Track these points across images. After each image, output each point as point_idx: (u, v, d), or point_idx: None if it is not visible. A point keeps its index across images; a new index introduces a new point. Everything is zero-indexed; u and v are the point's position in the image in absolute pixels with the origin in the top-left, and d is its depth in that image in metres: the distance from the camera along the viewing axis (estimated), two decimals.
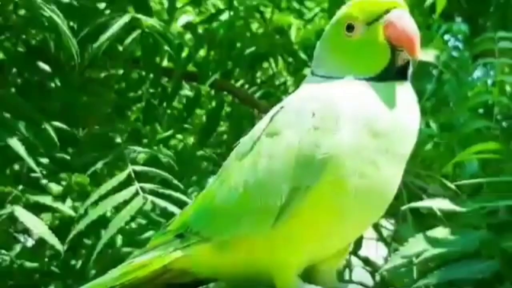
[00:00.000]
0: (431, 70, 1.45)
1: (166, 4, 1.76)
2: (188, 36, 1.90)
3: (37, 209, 1.37)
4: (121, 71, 1.77)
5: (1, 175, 1.43)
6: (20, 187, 1.36)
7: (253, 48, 1.87)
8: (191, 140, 2.04)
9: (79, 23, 1.47)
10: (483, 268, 1.11)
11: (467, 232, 1.17)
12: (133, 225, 1.57)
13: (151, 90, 1.79)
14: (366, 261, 1.87)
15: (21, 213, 1.30)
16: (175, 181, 1.36)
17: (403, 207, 1.25)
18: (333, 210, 0.77)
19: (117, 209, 1.33)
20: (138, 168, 1.37)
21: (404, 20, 0.79)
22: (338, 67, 0.82)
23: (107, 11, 1.56)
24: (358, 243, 1.64)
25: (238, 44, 1.86)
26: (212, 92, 1.98)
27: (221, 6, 1.92)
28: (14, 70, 1.60)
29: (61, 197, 1.43)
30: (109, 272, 0.88)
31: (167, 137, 1.88)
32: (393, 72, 0.80)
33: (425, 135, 1.47)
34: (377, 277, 1.77)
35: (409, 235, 1.20)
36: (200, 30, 1.86)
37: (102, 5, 1.60)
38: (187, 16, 1.91)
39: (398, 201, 1.12)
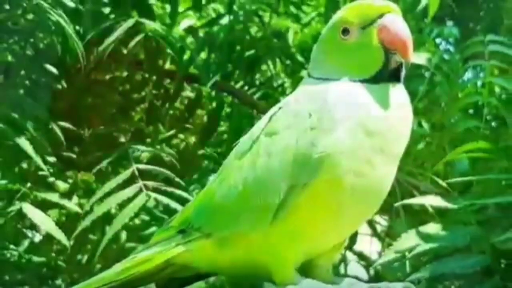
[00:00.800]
0: (423, 72, 1.45)
1: (168, 9, 1.75)
2: (189, 39, 1.90)
3: (44, 206, 1.37)
4: (125, 73, 1.77)
5: (10, 173, 1.42)
6: (28, 184, 1.36)
7: (252, 51, 1.87)
8: (192, 139, 2.04)
9: (85, 27, 1.47)
10: (474, 263, 1.11)
11: (457, 228, 1.17)
12: (137, 221, 1.57)
13: (154, 92, 1.78)
14: (361, 256, 1.87)
15: (29, 209, 1.30)
16: (177, 179, 1.36)
17: (396, 204, 1.25)
18: (330, 207, 0.77)
19: (121, 206, 1.33)
20: (141, 166, 1.37)
21: (397, 24, 0.79)
22: (334, 69, 0.82)
23: (112, 16, 1.56)
24: (353, 239, 1.64)
25: (238, 47, 1.85)
26: (213, 93, 1.98)
27: (222, 10, 1.92)
28: (22, 72, 1.60)
29: (67, 194, 1.43)
30: (113, 267, 0.88)
31: (170, 136, 1.87)
32: (386, 74, 0.80)
33: (417, 135, 1.46)
34: (371, 271, 1.77)
35: (402, 231, 1.20)
36: (201, 33, 1.86)
37: (106, 10, 1.60)
38: (189, 20, 1.90)
39: (391, 198, 1.12)
